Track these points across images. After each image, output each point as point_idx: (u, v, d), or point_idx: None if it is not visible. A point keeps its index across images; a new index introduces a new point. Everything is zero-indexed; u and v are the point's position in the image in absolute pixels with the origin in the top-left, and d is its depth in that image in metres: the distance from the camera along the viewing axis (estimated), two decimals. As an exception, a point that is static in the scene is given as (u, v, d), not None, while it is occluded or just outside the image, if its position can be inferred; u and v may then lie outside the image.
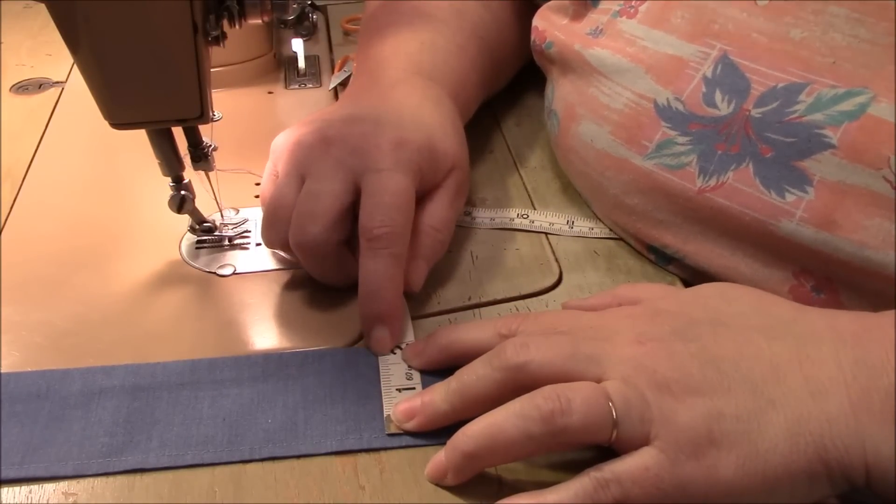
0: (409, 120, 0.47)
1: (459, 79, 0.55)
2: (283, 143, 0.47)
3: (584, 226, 0.52)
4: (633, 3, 0.48)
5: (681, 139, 0.44)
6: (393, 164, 0.44)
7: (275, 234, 0.44)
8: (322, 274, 0.45)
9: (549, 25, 0.54)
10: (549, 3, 0.56)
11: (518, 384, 0.35)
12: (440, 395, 0.37)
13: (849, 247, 0.38)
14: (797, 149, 0.40)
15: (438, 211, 0.46)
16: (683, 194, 0.44)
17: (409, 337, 0.44)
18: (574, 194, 0.55)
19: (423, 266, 0.45)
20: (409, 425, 0.38)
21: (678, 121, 0.44)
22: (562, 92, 0.52)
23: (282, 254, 0.48)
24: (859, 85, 0.39)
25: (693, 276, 0.47)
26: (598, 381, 0.34)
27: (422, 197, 0.46)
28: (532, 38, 0.56)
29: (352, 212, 0.44)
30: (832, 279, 0.40)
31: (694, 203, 0.44)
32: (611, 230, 0.52)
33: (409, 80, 0.52)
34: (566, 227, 0.52)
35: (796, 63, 0.41)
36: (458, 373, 0.38)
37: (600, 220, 0.52)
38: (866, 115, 0.38)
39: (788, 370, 0.33)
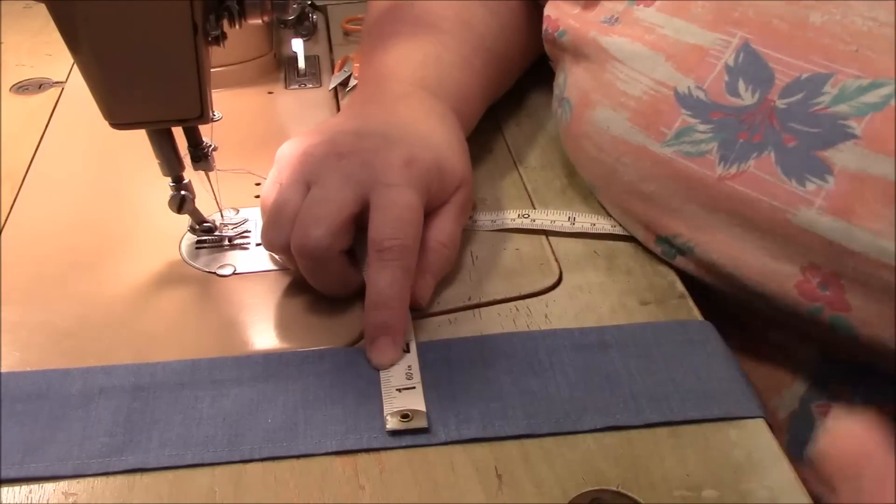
0: (418, 138, 0.47)
1: (463, 93, 0.55)
2: (289, 152, 0.47)
3: (585, 221, 0.52)
4: None
5: (701, 127, 0.44)
6: (403, 180, 0.44)
7: (276, 235, 0.44)
8: (319, 281, 0.45)
9: (561, 14, 0.54)
10: None
11: None
12: None
13: (864, 236, 0.38)
14: (821, 139, 0.40)
15: (445, 227, 0.47)
16: (703, 181, 0.44)
17: (410, 336, 0.43)
18: (575, 194, 0.55)
19: (430, 281, 0.46)
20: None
21: (700, 109, 0.44)
22: (575, 79, 0.52)
23: (278, 258, 0.48)
24: (883, 75, 0.39)
25: (698, 268, 0.47)
26: None
27: (428, 214, 0.46)
28: (544, 26, 0.56)
29: (355, 223, 0.44)
30: (839, 276, 0.40)
31: (713, 191, 0.44)
32: (616, 223, 0.51)
33: (414, 94, 0.52)
34: (567, 224, 0.52)
35: (819, 51, 0.41)
36: None
37: (606, 212, 0.52)
38: (889, 106, 0.38)
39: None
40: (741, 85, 0.43)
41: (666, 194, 0.46)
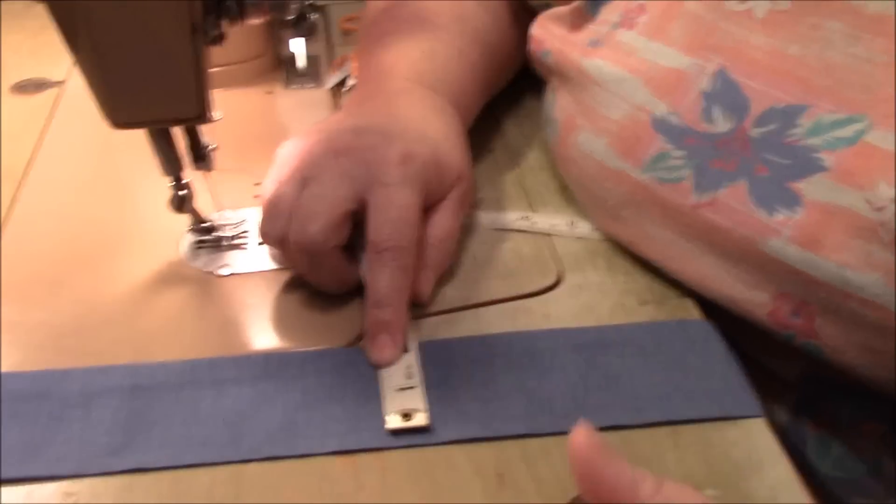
0: (415, 133, 0.47)
1: (461, 87, 0.55)
2: (288, 151, 0.47)
3: (585, 227, 0.52)
4: (632, 14, 0.48)
5: (676, 153, 0.44)
6: (400, 178, 0.44)
7: (271, 228, 0.44)
8: (315, 277, 0.45)
9: (547, 34, 0.54)
10: (547, 12, 0.56)
11: None
12: None
13: (830, 267, 0.39)
14: (793, 170, 0.40)
15: (444, 222, 0.47)
16: (678, 209, 0.44)
17: (409, 336, 0.43)
18: (573, 194, 0.55)
19: (430, 276, 0.46)
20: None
21: (674, 134, 0.44)
22: (561, 101, 0.52)
23: (275, 253, 0.48)
24: (858, 110, 0.39)
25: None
26: None
27: (427, 208, 0.46)
28: (530, 46, 0.56)
29: (352, 220, 0.44)
30: (809, 303, 0.40)
31: (687, 218, 0.44)
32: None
33: (412, 91, 0.52)
34: (567, 229, 0.52)
35: (795, 83, 0.41)
36: None
37: None
38: (862, 141, 0.38)
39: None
40: (716, 112, 0.43)
41: (643, 221, 0.46)
